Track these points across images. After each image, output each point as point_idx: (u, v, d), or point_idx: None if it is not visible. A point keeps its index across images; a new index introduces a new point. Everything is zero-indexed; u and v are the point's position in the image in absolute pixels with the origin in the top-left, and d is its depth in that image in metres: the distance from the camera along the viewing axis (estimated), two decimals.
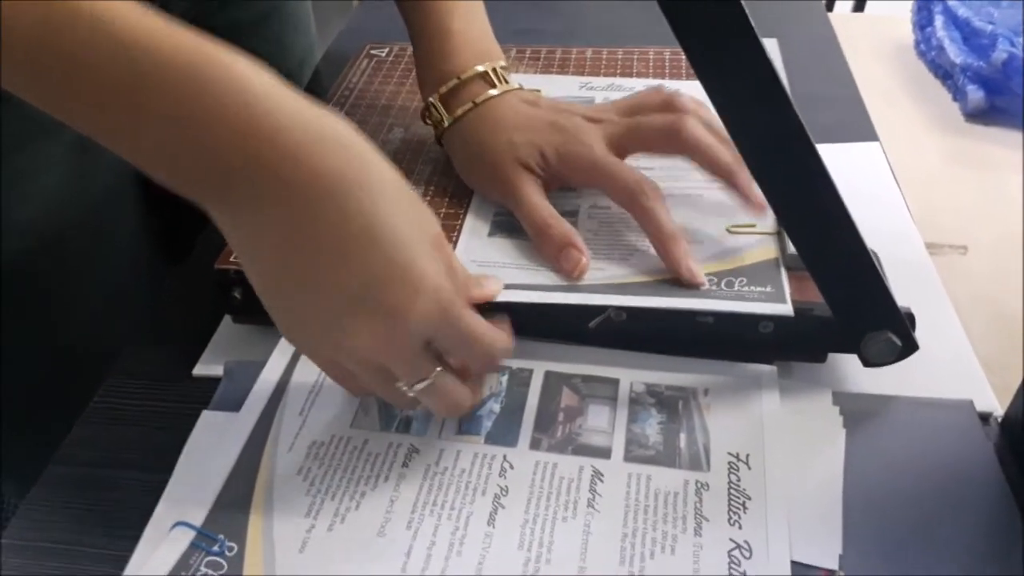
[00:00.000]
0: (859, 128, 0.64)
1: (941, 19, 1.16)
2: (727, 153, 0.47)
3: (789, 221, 0.41)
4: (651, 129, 0.49)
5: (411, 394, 0.38)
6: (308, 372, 0.45)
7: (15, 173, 0.52)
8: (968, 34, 1.12)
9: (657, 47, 0.67)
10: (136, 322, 0.52)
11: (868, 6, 1.75)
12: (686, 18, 0.37)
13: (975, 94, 1.08)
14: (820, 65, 0.72)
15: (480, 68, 0.52)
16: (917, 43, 1.25)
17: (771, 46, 0.68)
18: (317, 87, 0.73)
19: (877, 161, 0.60)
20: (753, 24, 0.36)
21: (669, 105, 0.50)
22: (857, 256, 0.40)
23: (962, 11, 1.14)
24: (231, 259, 0.47)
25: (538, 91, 0.60)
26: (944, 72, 1.17)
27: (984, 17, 1.11)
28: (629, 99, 0.53)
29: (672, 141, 0.48)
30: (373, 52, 0.69)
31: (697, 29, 0.37)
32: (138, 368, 0.48)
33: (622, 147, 0.49)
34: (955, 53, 1.11)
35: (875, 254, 0.41)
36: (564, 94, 0.61)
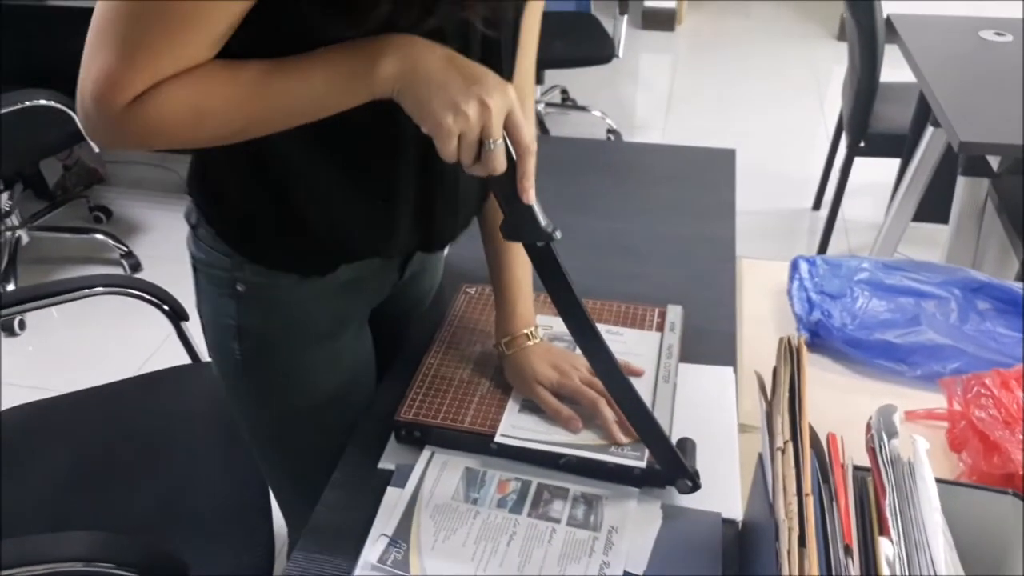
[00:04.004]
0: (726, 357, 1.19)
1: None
2: (611, 415, 1.02)
3: (626, 413, 0.97)
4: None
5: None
6: (432, 476, 1.01)
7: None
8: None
9: (621, 301, 1.23)
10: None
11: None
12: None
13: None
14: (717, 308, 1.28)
15: (525, 331, 1.10)
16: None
17: (675, 313, 1.22)
18: (437, 309, 1.30)
19: (727, 382, 1.15)
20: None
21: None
22: (663, 441, 0.95)
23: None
24: (401, 414, 1.04)
25: (551, 327, 1.16)
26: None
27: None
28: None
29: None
30: (467, 291, 1.26)
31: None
32: (354, 464, 1.05)
33: (587, 381, 1.05)
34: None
35: (692, 441, 0.97)
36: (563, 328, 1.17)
